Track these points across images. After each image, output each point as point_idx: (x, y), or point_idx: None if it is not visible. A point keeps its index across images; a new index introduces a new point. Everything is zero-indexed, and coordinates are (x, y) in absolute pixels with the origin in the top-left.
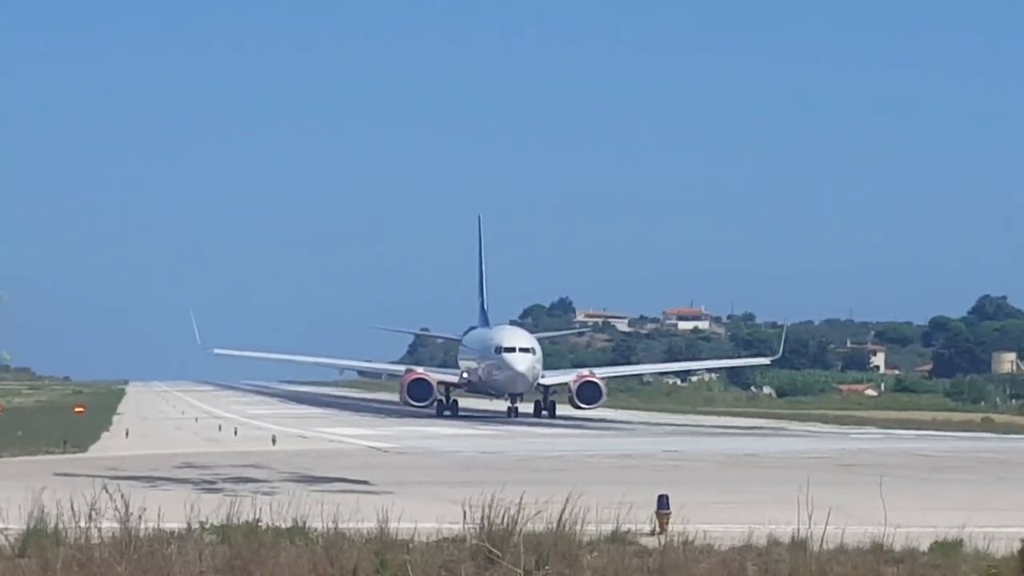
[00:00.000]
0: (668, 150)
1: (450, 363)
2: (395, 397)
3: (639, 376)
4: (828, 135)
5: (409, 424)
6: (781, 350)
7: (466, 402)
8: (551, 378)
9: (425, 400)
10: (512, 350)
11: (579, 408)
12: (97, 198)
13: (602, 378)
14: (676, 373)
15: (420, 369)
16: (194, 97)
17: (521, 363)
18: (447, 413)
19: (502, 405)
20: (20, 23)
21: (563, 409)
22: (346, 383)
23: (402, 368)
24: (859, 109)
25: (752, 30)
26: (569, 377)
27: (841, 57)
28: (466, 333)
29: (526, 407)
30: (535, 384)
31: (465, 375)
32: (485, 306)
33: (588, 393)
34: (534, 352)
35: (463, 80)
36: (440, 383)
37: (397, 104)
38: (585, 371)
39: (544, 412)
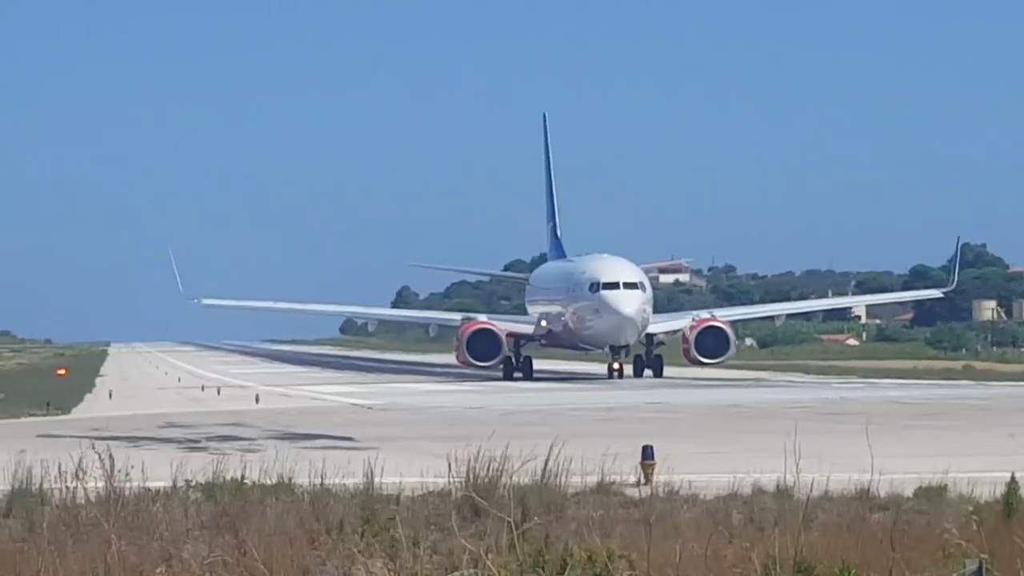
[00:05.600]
0: (646, 101)
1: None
2: (381, 355)
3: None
4: (807, 82)
5: (391, 381)
6: (954, 279)
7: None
8: (660, 324)
9: (492, 358)
10: (615, 286)
11: (699, 364)
12: (74, 150)
13: (727, 322)
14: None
15: (483, 318)
16: (178, 28)
17: (628, 304)
18: (518, 375)
19: (583, 363)
20: None
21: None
22: (328, 341)
23: (456, 317)
24: (841, 55)
25: None
26: (684, 322)
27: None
28: (534, 269)
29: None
30: (643, 333)
31: (544, 324)
32: (558, 231)
33: (711, 343)
34: (643, 289)
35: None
36: (510, 335)
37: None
38: (704, 314)
39: (648, 371)
